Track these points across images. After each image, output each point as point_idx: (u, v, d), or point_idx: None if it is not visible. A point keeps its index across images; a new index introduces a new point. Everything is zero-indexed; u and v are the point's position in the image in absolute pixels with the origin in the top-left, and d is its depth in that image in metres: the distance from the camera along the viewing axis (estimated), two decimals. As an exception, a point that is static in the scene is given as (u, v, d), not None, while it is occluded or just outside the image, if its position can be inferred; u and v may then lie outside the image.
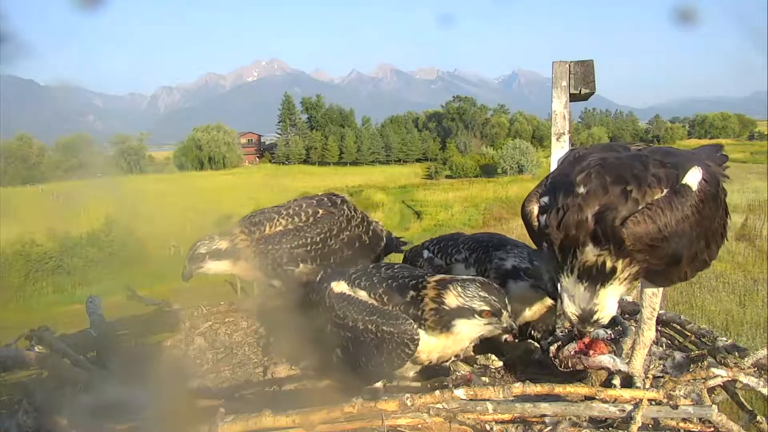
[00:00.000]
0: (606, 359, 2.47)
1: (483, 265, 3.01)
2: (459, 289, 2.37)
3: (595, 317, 2.34)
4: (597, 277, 2.26)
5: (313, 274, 3.05)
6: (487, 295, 2.36)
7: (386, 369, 2.40)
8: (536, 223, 2.40)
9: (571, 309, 2.37)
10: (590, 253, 2.23)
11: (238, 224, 3.23)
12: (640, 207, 2.14)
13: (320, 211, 3.19)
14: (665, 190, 2.18)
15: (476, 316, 2.35)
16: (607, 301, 2.33)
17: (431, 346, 2.40)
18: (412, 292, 2.42)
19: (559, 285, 2.40)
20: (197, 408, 2.52)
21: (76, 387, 2.64)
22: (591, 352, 2.51)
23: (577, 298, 2.34)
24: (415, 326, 2.34)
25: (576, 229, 2.19)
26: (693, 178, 2.23)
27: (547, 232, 2.29)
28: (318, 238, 3.11)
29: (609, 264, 2.23)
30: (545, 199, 2.36)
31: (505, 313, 2.39)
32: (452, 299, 2.36)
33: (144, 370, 2.83)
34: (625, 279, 2.29)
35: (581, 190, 2.22)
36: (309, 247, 3.10)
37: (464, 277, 2.50)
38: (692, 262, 2.31)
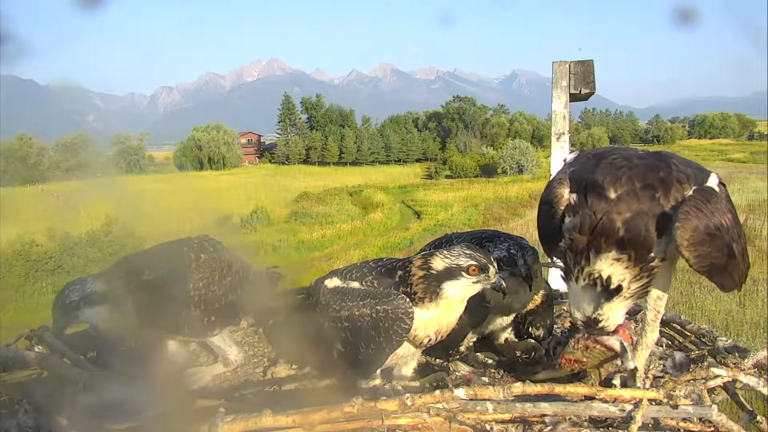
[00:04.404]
0: (616, 342, 2.41)
1: None
2: (444, 252, 2.44)
3: (600, 325, 2.37)
4: (602, 293, 2.27)
5: (196, 323, 2.95)
6: (472, 252, 2.42)
7: (387, 349, 2.41)
8: (563, 207, 2.31)
9: (576, 314, 2.40)
10: (606, 261, 2.21)
11: (115, 265, 3.03)
12: (668, 209, 2.13)
13: (202, 256, 3.01)
14: (694, 188, 2.19)
15: (464, 273, 2.38)
16: (613, 313, 2.34)
17: (425, 320, 2.42)
18: (400, 272, 2.47)
19: (567, 287, 2.42)
20: (197, 408, 2.52)
21: (76, 387, 2.63)
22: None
23: (583, 306, 2.36)
24: (408, 300, 2.37)
25: (606, 235, 2.18)
26: (713, 181, 2.27)
27: (571, 234, 2.26)
28: (200, 284, 2.92)
29: (615, 280, 2.23)
30: (574, 196, 2.30)
31: (492, 268, 2.43)
32: (438, 262, 2.41)
33: (144, 370, 2.82)
34: (630, 296, 2.29)
35: (612, 195, 2.19)
36: (192, 293, 2.90)
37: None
38: (743, 260, 2.30)
